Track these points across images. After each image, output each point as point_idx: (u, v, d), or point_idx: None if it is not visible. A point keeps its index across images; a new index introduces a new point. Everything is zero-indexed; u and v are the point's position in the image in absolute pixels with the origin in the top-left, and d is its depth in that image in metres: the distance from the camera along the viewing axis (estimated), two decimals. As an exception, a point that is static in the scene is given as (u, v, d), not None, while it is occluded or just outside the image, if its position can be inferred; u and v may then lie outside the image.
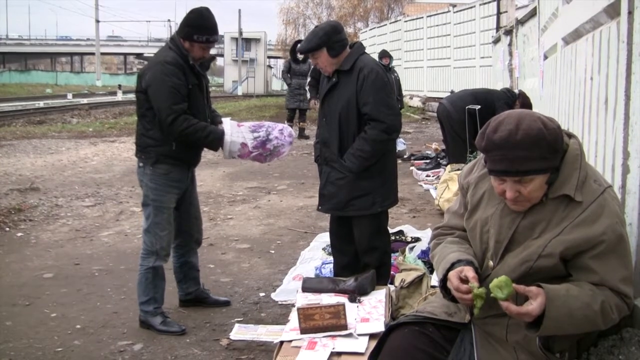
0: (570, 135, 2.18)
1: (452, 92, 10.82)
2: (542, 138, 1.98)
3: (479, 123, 7.55)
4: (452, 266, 2.22)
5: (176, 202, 4.17)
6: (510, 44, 11.49)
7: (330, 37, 3.98)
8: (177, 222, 4.25)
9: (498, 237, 2.19)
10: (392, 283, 4.19)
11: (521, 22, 10.08)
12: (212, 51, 4.35)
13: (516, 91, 8.35)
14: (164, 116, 3.90)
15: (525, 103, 7.59)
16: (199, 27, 3.98)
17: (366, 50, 4.24)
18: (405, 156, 11.25)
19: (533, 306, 1.97)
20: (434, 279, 3.81)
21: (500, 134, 2.00)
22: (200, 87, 4.15)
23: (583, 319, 2.01)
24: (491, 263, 2.21)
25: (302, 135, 14.86)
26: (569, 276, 2.12)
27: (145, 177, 4.09)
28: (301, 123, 15.22)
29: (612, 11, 2.83)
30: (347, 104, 4.00)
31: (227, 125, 4.16)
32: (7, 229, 6.77)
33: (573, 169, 2.09)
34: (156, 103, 3.94)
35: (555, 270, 2.11)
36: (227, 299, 4.62)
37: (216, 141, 4.07)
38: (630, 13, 2.45)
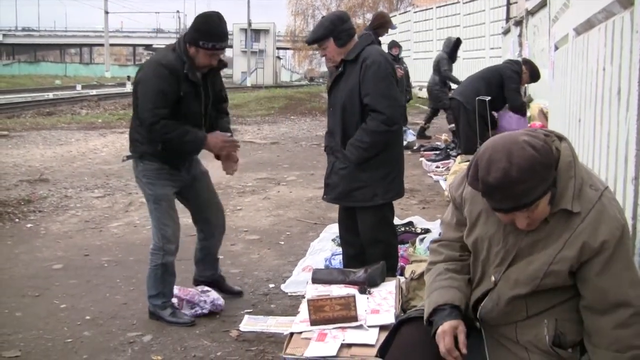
0: (560, 138, 2.10)
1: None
2: (537, 163, 1.91)
3: (489, 111, 7.57)
4: (439, 307, 2.23)
5: (177, 194, 4.13)
6: (520, 35, 11.44)
7: (337, 27, 3.97)
8: (192, 211, 4.30)
9: (501, 254, 2.16)
10: (402, 274, 4.18)
11: (531, 12, 10.03)
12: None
13: (519, 59, 8.42)
14: (145, 117, 3.81)
15: (533, 69, 7.88)
16: (206, 32, 3.79)
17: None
18: (414, 147, 11.23)
19: None
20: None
21: (495, 175, 1.91)
22: (197, 95, 3.97)
23: None
24: (493, 278, 2.19)
25: (421, 135, 12.99)
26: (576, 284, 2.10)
27: (139, 173, 4.03)
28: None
29: (625, 1, 2.80)
30: (350, 94, 3.99)
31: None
32: (17, 220, 6.80)
33: (568, 178, 2.02)
34: (140, 102, 3.84)
35: (562, 283, 2.10)
36: (240, 289, 4.60)
37: (197, 141, 3.94)
38: (645, 2, 2.42)
